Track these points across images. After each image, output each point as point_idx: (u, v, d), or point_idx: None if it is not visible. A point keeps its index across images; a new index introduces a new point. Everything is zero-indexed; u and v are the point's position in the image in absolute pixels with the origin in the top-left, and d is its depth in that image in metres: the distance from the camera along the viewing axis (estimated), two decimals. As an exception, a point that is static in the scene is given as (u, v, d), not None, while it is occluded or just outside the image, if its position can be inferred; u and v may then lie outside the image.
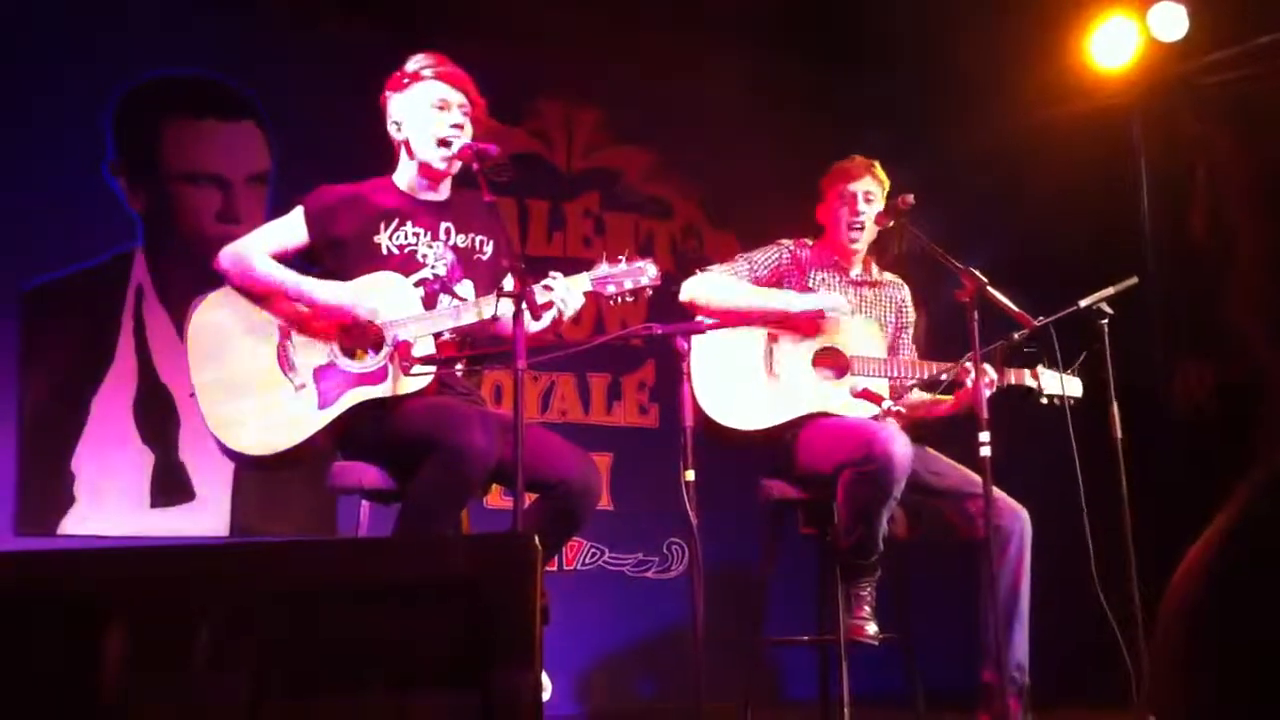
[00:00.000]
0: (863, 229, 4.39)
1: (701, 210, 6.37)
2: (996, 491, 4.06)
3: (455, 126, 3.78)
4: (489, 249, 3.92)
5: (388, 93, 3.88)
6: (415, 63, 3.85)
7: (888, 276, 4.57)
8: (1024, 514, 4.15)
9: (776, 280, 4.41)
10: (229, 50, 5.46)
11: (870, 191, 4.40)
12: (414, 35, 5.09)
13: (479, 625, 1.97)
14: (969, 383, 4.06)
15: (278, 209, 3.99)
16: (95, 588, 2.05)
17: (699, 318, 4.24)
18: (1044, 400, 4.21)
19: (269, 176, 5.50)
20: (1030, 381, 4.21)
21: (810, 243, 4.50)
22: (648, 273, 3.74)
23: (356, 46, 5.40)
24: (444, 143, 3.79)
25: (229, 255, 3.73)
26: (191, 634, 1.99)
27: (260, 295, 3.69)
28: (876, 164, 4.46)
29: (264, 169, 5.51)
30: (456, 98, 3.81)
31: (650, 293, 3.77)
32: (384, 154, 3.95)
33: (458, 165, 3.82)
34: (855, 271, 4.49)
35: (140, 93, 5.33)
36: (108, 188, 5.23)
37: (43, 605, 2.03)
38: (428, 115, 3.80)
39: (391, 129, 3.88)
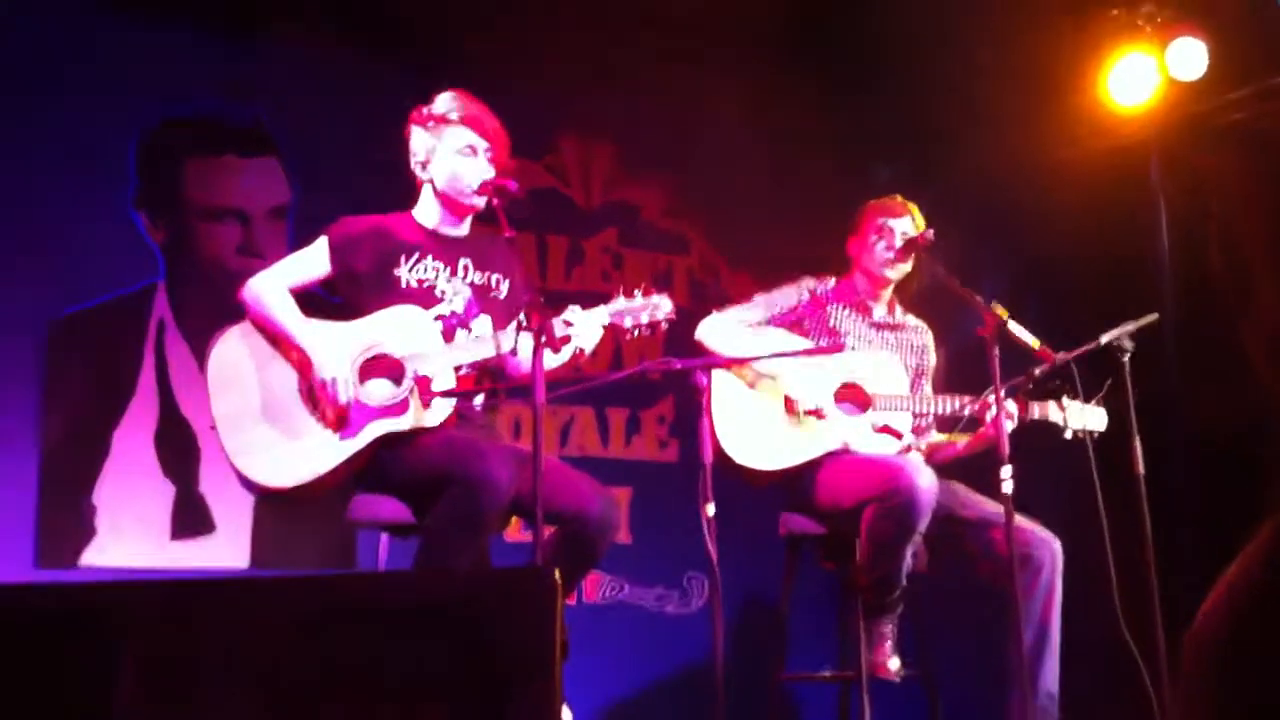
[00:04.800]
0: (897, 263, 4.38)
1: (718, 245, 6.37)
2: (1028, 521, 4.07)
3: (478, 174, 3.81)
4: (505, 287, 3.94)
5: (412, 126, 3.91)
6: (442, 104, 3.88)
7: (911, 320, 4.57)
8: (1055, 543, 4.12)
9: (796, 320, 4.41)
10: (250, 85, 5.49)
11: (908, 233, 4.36)
12: (433, 70, 5.12)
13: (499, 660, 1.97)
14: (989, 417, 4.05)
15: (298, 243, 4.02)
16: (114, 619, 2.05)
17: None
18: (1068, 435, 4.19)
19: (289, 210, 5.53)
20: (1054, 415, 4.19)
21: (833, 281, 4.50)
22: (663, 307, 3.75)
23: (376, 81, 5.43)
24: (468, 188, 3.82)
25: (250, 289, 3.77)
26: (207, 666, 1.99)
27: (268, 335, 3.73)
28: (915, 208, 4.47)
29: (284, 203, 5.53)
30: (482, 144, 3.84)
31: (666, 326, 3.78)
32: (404, 186, 3.98)
33: (480, 202, 3.85)
34: (879, 313, 4.48)
35: (162, 127, 5.36)
36: (130, 222, 5.26)
37: (62, 636, 2.04)
38: (453, 161, 3.84)
39: (415, 166, 3.91)
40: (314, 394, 3.65)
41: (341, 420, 3.62)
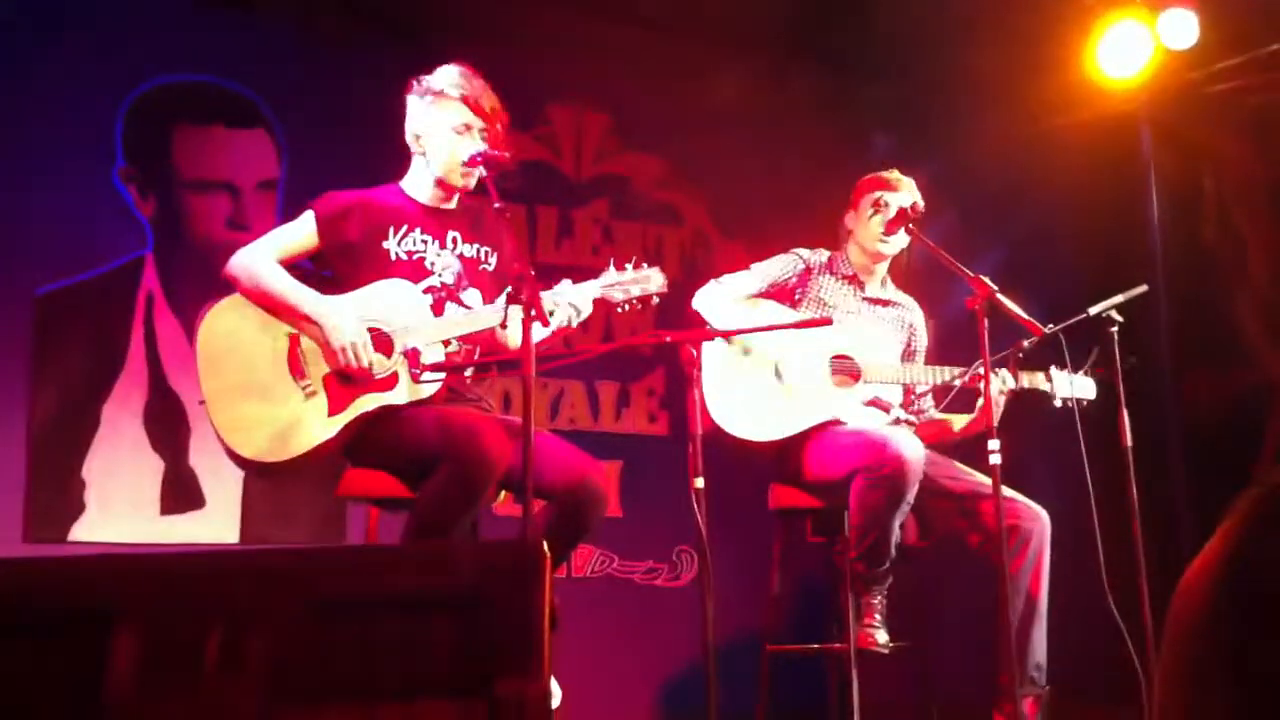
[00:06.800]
0: (889, 236, 4.36)
1: (710, 217, 6.36)
2: (1017, 494, 4.07)
3: (470, 151, 3.78)
4: (494, 259, 3.93)
5: (409, 96, 3.88)
6: (442, 79, 3.84)
7: (903, 297, 4.55)
8: (1044, 516, 4.13)
9: (790, 291, 4.40)
10: (238, 57, 5.46)
11: (904, 207, 4.34)
12: (423, 41, 5.10)
13: (487, 633, 1.97)
14: (981, 386, 4.05)
15: (287, 215, 4.00)
16: (105, 595, 2.05)
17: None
18: (1058, 403, 4.18)
19: (278, 183, 5.51)
20: (1044, 385, 4.19)
21: (828, 253, 4.49)
22: (655, 280, 3.75)
23: (366, 53, 5.41)
24: (463, 165, 3.79)
25: (238, 263, 3.74)
26: (201, 641, 1.99)
27: (269, 307, 3.69)
28: (912, 182, 4.44)
29: (273, 176, 5.51)
30: (478, 122, 3.81)
31: (657, 300, 3.77)
32: (394, 160, 3.95)
33: (470, 183, 3.83)
34: (872, 287, 4.46)
35: (150, 99, 5.34)
36: (119, 194, 5.24)
37: (53, 612, 2.04)
38: (449, 138, 3.80)
39: (409, 137, 3.88)
40: (305, 367, 3.64)
41: (369, 379, 3.61)
